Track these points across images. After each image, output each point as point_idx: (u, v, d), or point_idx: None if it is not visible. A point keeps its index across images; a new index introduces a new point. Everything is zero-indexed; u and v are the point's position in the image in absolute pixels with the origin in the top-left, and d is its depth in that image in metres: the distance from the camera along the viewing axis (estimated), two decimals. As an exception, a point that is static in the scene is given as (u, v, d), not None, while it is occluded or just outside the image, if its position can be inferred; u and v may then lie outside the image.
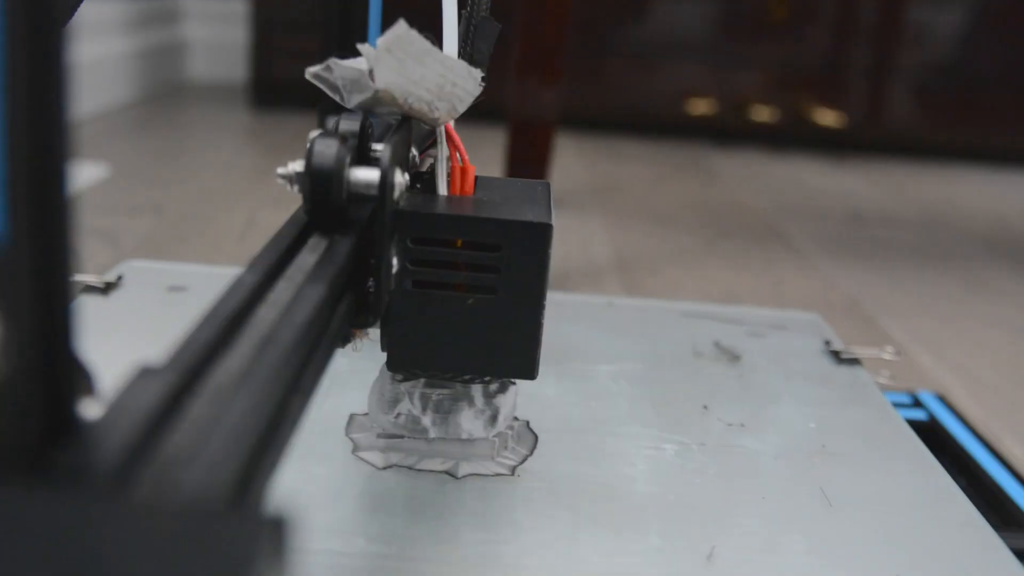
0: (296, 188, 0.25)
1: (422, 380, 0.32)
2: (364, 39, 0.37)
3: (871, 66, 1.50)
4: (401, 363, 0.30)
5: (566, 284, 0.79)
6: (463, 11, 0.32)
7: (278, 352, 0.18)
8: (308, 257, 0.23)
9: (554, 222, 0.29)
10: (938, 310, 0.83)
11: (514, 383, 0.33)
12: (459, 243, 0.29)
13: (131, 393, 0.15)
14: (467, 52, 0.32)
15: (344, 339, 0.26)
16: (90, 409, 0.15)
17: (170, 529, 0.12)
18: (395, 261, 0.28)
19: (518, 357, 0.30)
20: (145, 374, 0.16)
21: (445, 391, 0.32)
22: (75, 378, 0.15)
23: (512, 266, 0.29)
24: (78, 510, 0.12)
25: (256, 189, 1.02)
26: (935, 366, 0.69)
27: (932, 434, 0.51)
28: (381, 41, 0.26)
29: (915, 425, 0.51)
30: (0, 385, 0.13)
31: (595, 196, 1.14)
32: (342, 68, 0.27)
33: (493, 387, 0.33)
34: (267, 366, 0.17)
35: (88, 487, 0.13)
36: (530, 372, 0.30)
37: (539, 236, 0.29)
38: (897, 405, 0.52)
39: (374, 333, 0.30)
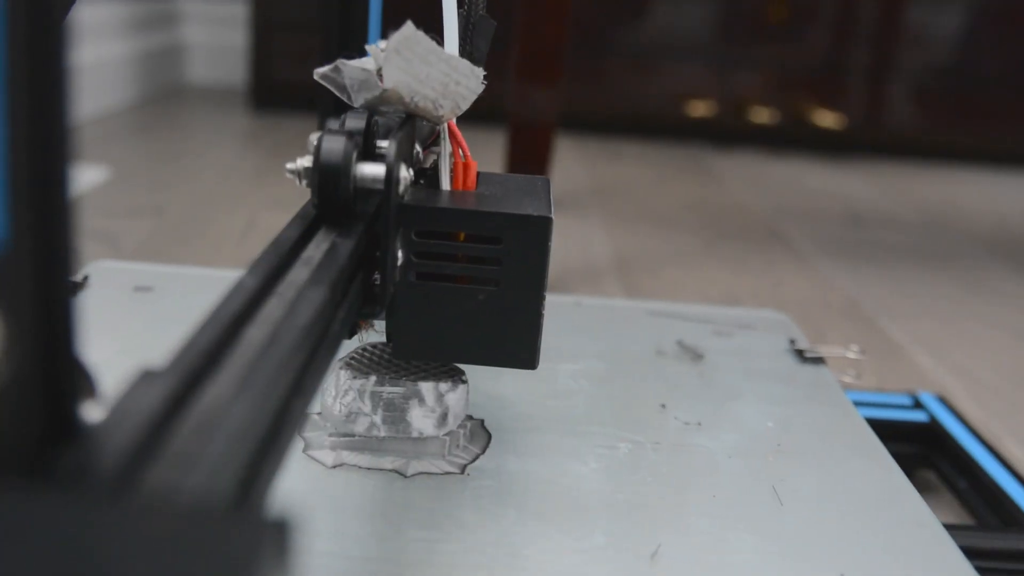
0: (305, 183, 0.26)
1: (373, 378, 0.32)
2: (364, 40, 0.37)
3: (871, 67, 1.50)
4: (406, 352, 0.31)
5: (566, 286, 0.79)
6: (461, 10, 0.32)
7: (279, 355, 0.18)
8: (309, 258, 0.23)
9: (553, 217, 0.30)
10: (938, 311, 0.83)
11: (465, 382, 0.33)
12: (462, 236, 0.30)
13: (133, 396, 0.15)
14: (467, 50, 0.32)
15: (351, 330, 0.27)
16: (92, 412, 0.15)
17: (172, 532, 0.12)
18: (400, 254, 0.29)
19: (519, 347, 0.31)
20: (147, 377, 0.16)
21: (396, 390, 0.32)
22: (77, 380, 0.15)
23: (513, 258, 0.30)
24: (80, 513, 0.12)
25: (256, 191, 1.02)
26: (935, 367, 0.69)
27: (933, 435, 0.51)
28: (390, 42, 0.27)
29: (915, 426, 0.51)
30: (1, 387, 0.13)
31: (595, 197, 1.14)
32: (350, 68, 0.28)
33: (444, 386, 0.33)
34: (268, 369, 0.17)
35: (90, 490, 0.13)
36: (531, 361, 0.31)
37: (539, 229, 0.29)
38: (897, 406, 0.52)
39: (378, 323, 0.31)
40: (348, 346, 0.32)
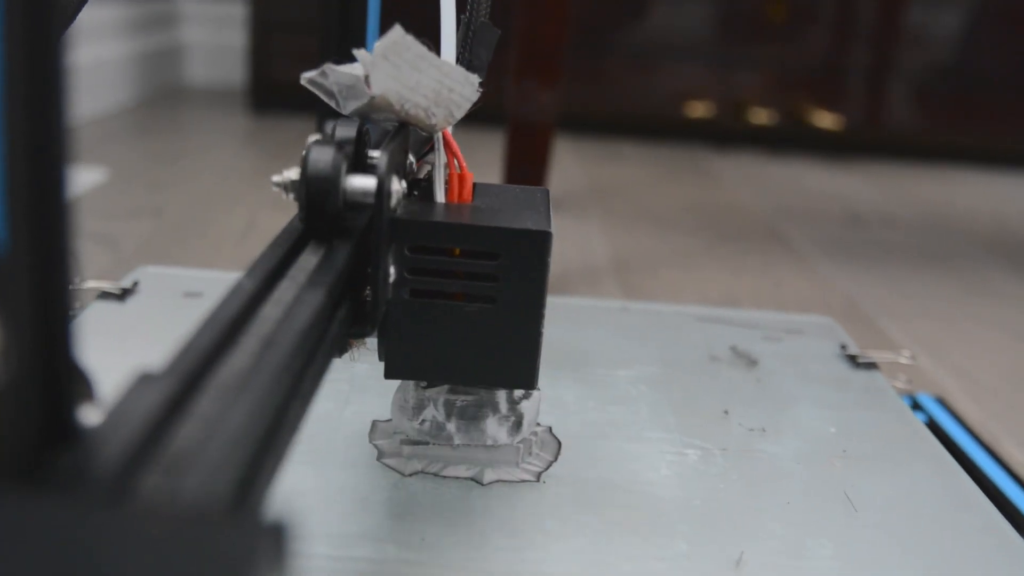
0: (292, 196, 0.25)
1: (446, 386, 0.32)
2: (363, 43, 0.36)
3: (870, 68, 1.50)
4: (399, 372, 0.30)
5: (565, 286, 0.79)
6: (462, 16, 0.31)
7: (278, 357, 0.18)
8: (308, 261, 0.23)
9: (553, 228, 0.29)
10: (937, 312, 0.83)
11: (538, 389, 0.33)
12: (457, 252, 0.28)
13: (131, 399, 0.15)
14: (466, 58, 0.31)
15: (341, 349, 0.26)
16: (90, 415, 0.15)
17: (170, 535, 0.12)
18: (392, 270, 0.28)
19: (517, 366, 0.30)
20: (145, 380, 0.16)
21: (469, 397, 0.32)
22: (75, 384, 0.15)
23: (511, 275, 0.28)
24: (78, 516, 0.12)
25: (255, 192, 1.02)
26: (934, 368, 0.69)
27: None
28: (377, 46, 0.26)
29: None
30: (0, 391, 0.13)
31: (594, 198, 1.14)
32: (337, 74, 0.27)
33: (518, 393, 0.32)
34: (267, 371, 0.17)
35: (88, 493, 0.13)
36: (529, 381, 0.30)
37: (538, 244, 0.28)
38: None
39: (371, 341, 0.30)
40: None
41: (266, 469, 0.17)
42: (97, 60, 1.32)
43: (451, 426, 0.32)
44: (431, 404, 0.32)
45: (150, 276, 0.47)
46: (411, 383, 0.32)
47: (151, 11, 1.55)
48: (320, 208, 0.24)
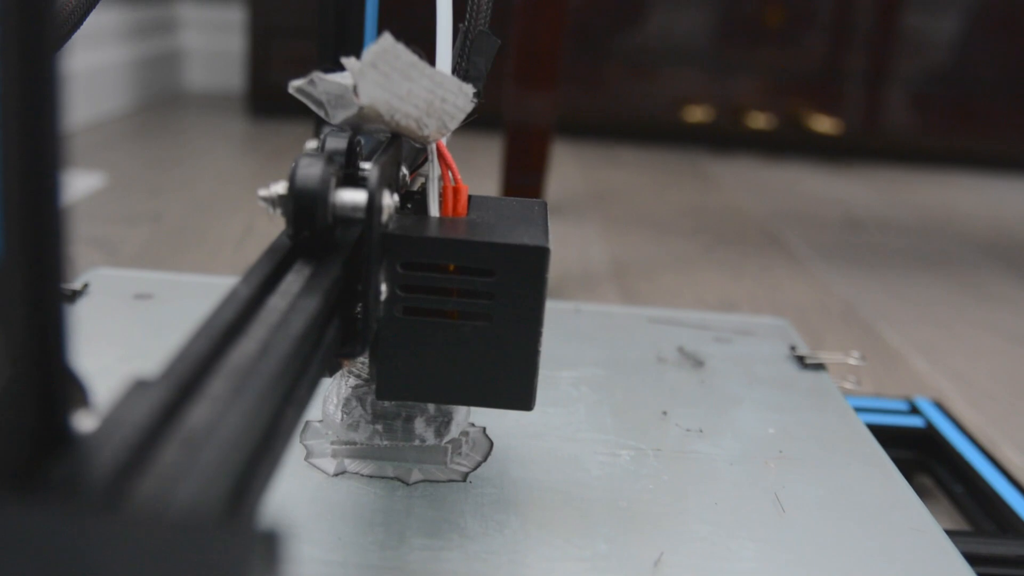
0: (279, 212, 0.24)
1: (375, 386, 0.32)
2: (360, 49, 0.36)
3: (868, 73, 1.51)
4: (391, 393, 0.29)
5: (563, 291, 0.79)
6: (460, 24, 0.31)
7: (272, 364, 0.18)
8: (302, 270, 0.23)
9: (551, 241, 0.28)
10: (935, 316, 0.83)
11: None
12: (452, 268, 0.27)
13: (125, 406, 0.15)
14: (462, 67, 0.31)
15: (332, 369, 0.25)
16: (84, 422, 0.15)
17: (163, 542, 0.12)
18: (384, 287, 0.27)
19: (513, 386, 0.29)
20: (139, 387, 0.16)
21: None
22: (69, 390, 0.15)
23: (507, 292, 0.27)
24: (71, 523, 0.12)
25: (254, 197, 1.02)
26: (932, 372, 0.69)
27: (929, 440, 0.51)
28: (366, 55, 0.25)
29: (912, 431, 0.51)
30: (-7, 398, 0.13)
31: (592, 203, 1.14)
32: (326, 83, 0.26)
33: None
34: (261, 378, 0.17)
35: (81, 500, 0.13)
36: (526, 403, 0.29)
37: (535, 260, 0.27)
38: (893, 411, 0.52)
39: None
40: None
41: (259, 477, 0.17)
42: (96, 65, 1.32)
43: (379, 426, 0.32)
44: (359, 404, 0.32)
45: (100, 278, 0.47)
46: (341, 381, 0.32)
47: (150, 16, 1.55)
48: (308, 224, 0.23)
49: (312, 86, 0.26)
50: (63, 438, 0.14)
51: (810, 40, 1.50)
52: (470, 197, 0.30)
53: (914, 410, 0.53)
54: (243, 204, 0.99)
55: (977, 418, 0.62)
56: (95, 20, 1.34)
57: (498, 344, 0.28)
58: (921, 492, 0.52)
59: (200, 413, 0.16)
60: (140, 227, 0.88)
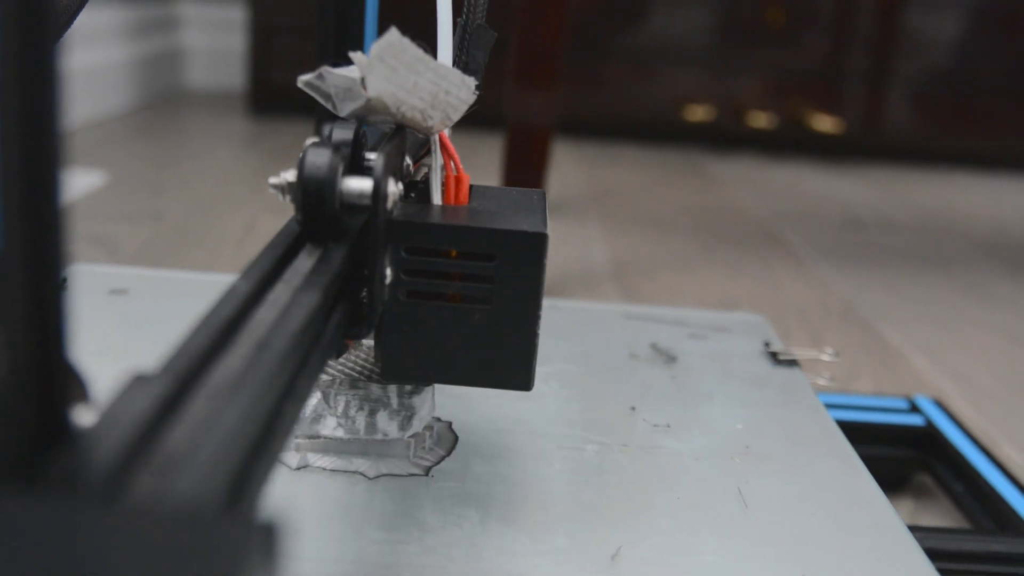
0: (288, 198, 0.25)
1: (339, 379, 0.32)
2: (361, 46, 0.37)
3: (869, 72, 1.51)
4: (395, 374, 0.30)
5: (564, 290, 0.79)
6: (458, 19, 0.32)
7: (272, 358, 0.18)
8: (303, 264, 0.23)
9: (550, 230, 0.29)
10: (936, 315, 0.83)
11: (431, 385, 0.33)
12: (454, 253, 0.29)
13: (124, 400, 0.15)
14: (462, 60, 0.31)
15: (338, 350, 0.26)
16: (83, 416, 0.15)
17: (162, 536, 0.12)
18: (389, 271, 0.28)
19: (513, 367, 0.30)
20: (138, 381, 0.16)
21: (360, 391, 0.32)
22: (68, 384, 0.15)
23: (507, 276, 0.28)
24: (71, 516, 0.12)
25: (255, 195, 1.02)
26: (932, 371, 0.69)
27: (929, 439, 0.51)
28: (373, 49, 0.26)
29: (912, 430, 0.51)
30: (-7, 392, 0.13)
31: (593, 202, 1.14)
32: (334, 76, 0.27)
33: (408, 388, 0.32)
34: (261, 372, 0.17)
35: (81, 493, 0.13)
36: (525, 383, 0.30)
37: (534, 246, 0.28)
38: (894, 410, 0.53)
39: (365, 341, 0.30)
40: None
41: (259, 470, 0.17)
42: (98, 64, 1.32)
43: (342, 420, 0.32)
44: (323, 398, 0.32)
45: (76, 273, 0.47)
46: None
47: (151, 15, 1.55)
48: (316, 210, 0.24)
49: (321, 80, 0.27)
50: (62, 432, 0.14)
51: (811, 40, 1.50)
52: (471, 186, 0.31)
53: (914, 408, 0.53)
54: (244, 203, 0.99)
55: (977, 417, 0.62)
56: (96, 19, 1.34)
57: (498, 326, 0.29)
58: (920, 491, 0.52)
59: (199, 407, 0.16)
60: (141, 225, 0.88)
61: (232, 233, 0.88)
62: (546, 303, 0.48)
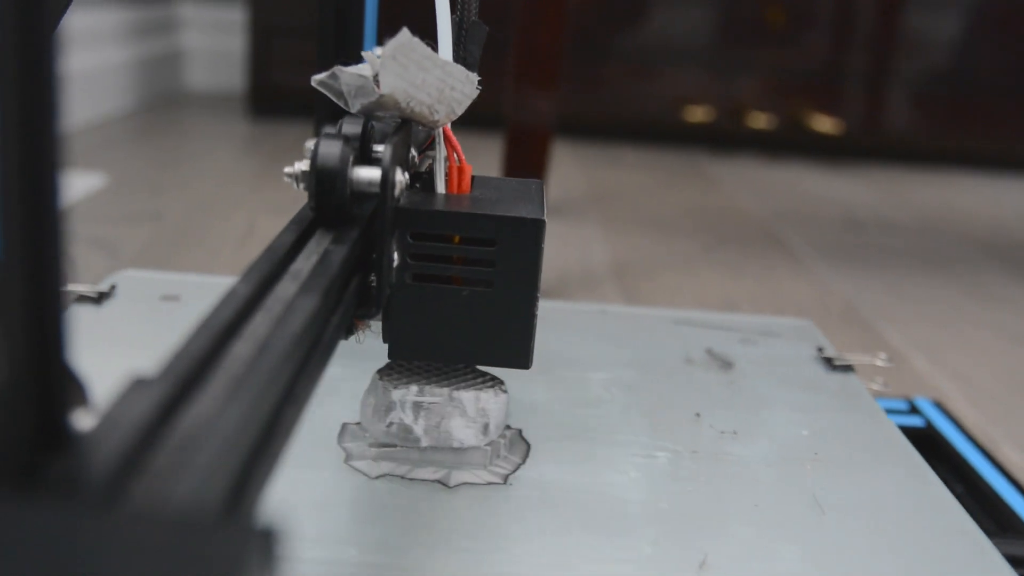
0: (302, 186, 0.27)
1: (414, 388, 0.32)
2: (360, 46, 0.37)
3: (868, 73, 1.51)
4: (401, 353, 0.32)
5: (564, 291, 0.79)
6: (454, 15, 0.33)
7: (271, 362, 0.18)
8: (302, 266, 0.23)
9: (549, 232, 0.30)
10: (936, 316, 0.83)
11: (506, 392, 0.33)
12: (456, 239, 0.30)
13: (124, 404, 0.15)
14: (461, 56, 0.33)
15: (348, 330, 0.28)
16: (83, 420, 0.15)
17: (161, 540, 0.12)
18: (396, 256, 0.29)
19: (513, 347, 0.31)
20: (138, 385, 0.16)
21: (436, 400, 0.32)
22: (68, 389, 0.15)
23: (507, 260, 0.30)
24: (70, 521, 0.12)
25: (255, 197, 1.02)
26: (932, 372, 0.69)
27: (929, 440, 0.51)
28: (386, 48, 0.27)
29: (912, 431, 0.51)
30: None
31: (593, 203, 1.14)
32: (347, 75, 0.29)
33: (485, 395, 0.33)
34: (260, 376, 0.17)
35: (80, 498, 0.13)
36: (524, 361, 0.32)
37: (532, 231, 0.30)
38: (894, 411, 0.52)
39: (375, 326, 0.31)
40: (380, 357, 0.33)
41: (259, 474, 0.17)
42: (97, 65, 1.32)
43: (418, 428, 0.32)
44: (398, 407, 0.32)
45: (128, 280, 0.47)
46: (379, 385, 0.33)
47: (151, 16, 1.55)
48: (328, 197, 0.26)
49: (334, 79, 0.29)
50: (62, 436, 0.14)
51: (810, 40, 1.50)
52: (473, 176, 0.33)
53: (914, 410, 0.53)
54: (244, 204, 0.99)
55: (977, 418, 0.62)
56: (96, 20, 1.35)
57: (499, 308, 0.31)
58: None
59: (199, 411, 0.16)
60: (141, 227, 0.88)
61: (232, 234, 0.88)
62: (595, 308, 0.49)
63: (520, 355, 0.32)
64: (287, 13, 1.45)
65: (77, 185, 0.99)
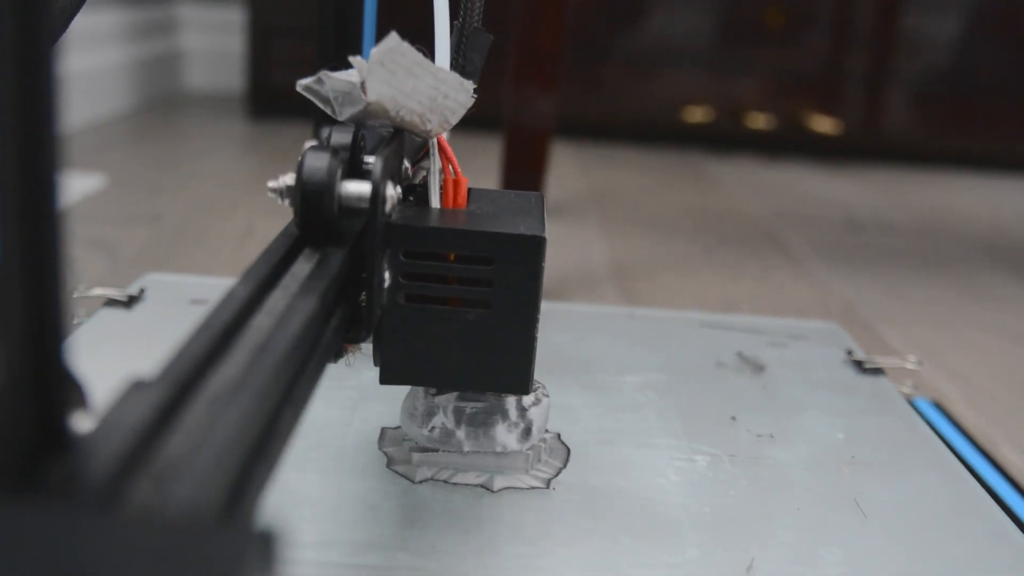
0: (287, 202, 0.25)
1: (455, 393, 0.32)
2: (359, 49, 0.37)
3: (868, 73, 1.51)
4: (393, 378, 0.30)
5: (564, 292, 0.79)
6: (455, 22, 0.32)
7: (270, 364, 0.18)
8: (301, 269, 0.23)
9: (549, 232, 0.29)
10: (935, 317, 0.83)
11: (547, 396, 0.33)
12: (452, 257, 0.28)
13: (123, 406, 0.15)
14: (459, 63, 0.32)
15: (336, 354, 0.26)
16: (82, 422, 0.15)
17: (160, 543, 0.12)
18: (387, 275, 0.28)
19: (511, 371, 0.30)
20: (137, 387, 0.16)
21: (479, 404, 0.32)
22: (67, 391, 0.15)
23: (505, 279, 0.28)
24: (69, 523, 0.12)
25: (254, 198, 1.02)
26: (932, 373, 0.69)
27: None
28: (373, 53, 0.26)
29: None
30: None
31: (592, 203, 1.14)
32: (333, 80, 0.27)
33: (527, 400, 0.32)
34: (259, 378, 0.17)
35: (79, 500, 0.13)
36: (523, 387, 0.30)
37: (532, 249, 0.28)
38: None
39: (366, 346, 0.30)
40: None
41: (257, 477, 0.17)
42: (96, 66, 1.32)
43: (460, 433, 0.32)
44: (440, 411, 0.32)
45: (156, 283, 0.47)
46: (420, 390, 0.32)
47: (150, 17, 1.55)
48: (315, 214, 0.24)
49: (320, 84, 0.27)
50: (61, 439, 0.14)
51: (810, 40, 1.50)
52: (470, 189, 0.31)
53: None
54: (243, 205, 0.99)
55: (977, 419, 0.62)
56: (95, 21, 1.34)
57: (497, 330, 0.29)
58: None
59: (197, 414, 0.16)
60: (140, 228, 0.88)
61: (232, 235, 0.88)
62: (623, 312, 0.49)
63: (519, 380, 0.30)
64: (286, 13, 1.45)
65: (76, 186, 0.99)
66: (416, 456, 0.33)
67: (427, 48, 0.29)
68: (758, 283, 0.88)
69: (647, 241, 0.99)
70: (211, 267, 0.79)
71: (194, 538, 0.12)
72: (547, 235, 0.29)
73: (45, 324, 0.14)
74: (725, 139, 1.53)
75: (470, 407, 0.32)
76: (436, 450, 0.33)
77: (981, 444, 0.50)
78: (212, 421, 0.15)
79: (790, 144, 1.53)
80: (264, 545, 0.12)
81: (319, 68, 0.29)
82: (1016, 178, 1.53)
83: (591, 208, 1.12)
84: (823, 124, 1.50)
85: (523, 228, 0.29)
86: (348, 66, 0.28)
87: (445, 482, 0.32)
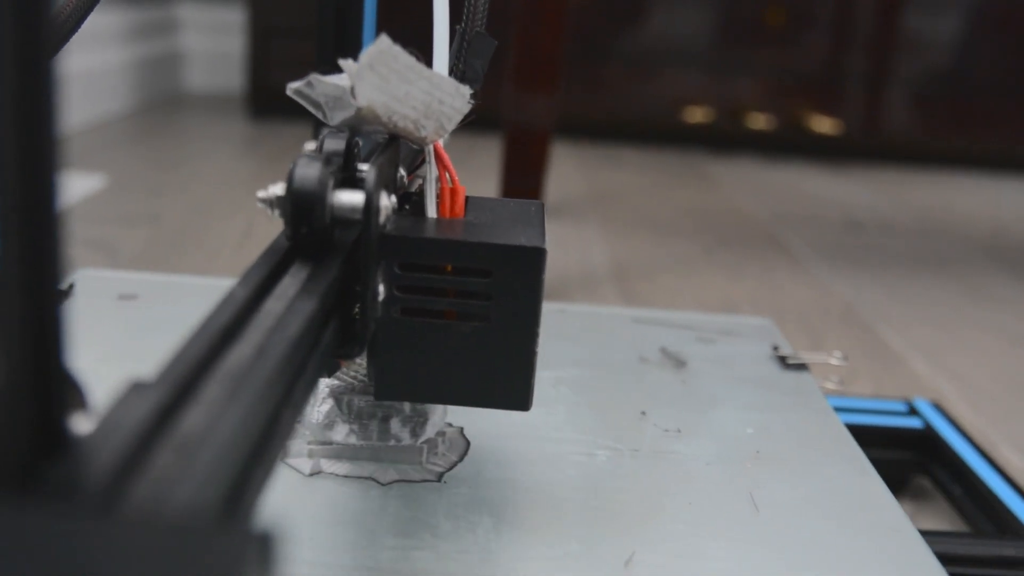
0: (277, 213, 0.24)
1: (351, 385, 0.32)
2: (360, 48, 0.36)
3: (868, 73, 1.51)
4: (389, 393, 0.29)
5: (564, 293, 0.79)
6: (457, 26, 0.31)
7: (269, 366, 0.18)
8: (300, 271, 0.23)
9: (548, 233, 0.29)
10: (935, 317, 0.83)
11: None
12: (449, 269, 0.27)
13: (122, 408, 0.15)
14: (459, 68, 0.31)
15: (330, 369, 0.26)
16: (81, 424, 0.15)
17: (159, 545, 0.12)
18: (382, 288, 0.27)
19: (510, 387, 0.29)
20: (136, 389, 0.16)
21: (373, 396, 0.32)
22: (66, 393, 0.15)
23: (504, 292, 0.27)
24: (67, 525, 0.12)
25: (253, 199, 1.02)
26: (931, 373, 0.69)
27: (928, 442, 0.51)
28: (363, 57, 0.25)
29: (911, 433, 0.51)
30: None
31: (593, 204, 1.14)
32: (323, 84, 0.26)
33: None
34: (258, 380, 0.17)
35: (78, 502, 0.13)
36: (523, 403, 0.29)
37: (532, 261, 0.27)
38: (892, 413, 0.52)
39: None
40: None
41: (256, 478, 0.17)
42: (96, 66, 1.32)
43: (355, 426, 0.32)
44: (335, 404, 0.32)
45: (86, 278, 0.47)
46: (320, 381, 0.32)
47: (150, 18, 1.55)
48: (306, 225, 0.23)
49: (310, 88, 0.26)
50: (60, 440, 0.14)
51: (810, 41, 1.50)
52: (467, 198, 0.30)
53: (912, 411, 0.53)
54: (243, 206, 0.99)
55: (976, 419, 0.62)
56: (95, 21, 1.34)
57: (495, 345, 0.28)
58: (919, 494, 0.52)
59: (196, 416, 0.16)
60: (139, 228, 0.88)
61: (231, 236, 0.88)
62: (554, 307, 0.48)
63: (519, 396, 0.29)
64: (286, 13, 1.45)
65: (76, 186, 0.99)
66: (310, 449, 0.32)
67: (428, 51, 0.28)
68: (758, 283, 0.88)
69: (647, 242, 0.99)
70: (210, 267, 0.79)
71: (193, 539, 0.12)
72: (547, 235, 0.28)
73: (44, 325, 0.14)
74: (725, 139, 1.53)
75: (364, 400, 0.32)
76: (330, 443, 0.32)
77: (980, 444, 0.50)
78: (211, 423, 0.15)
79: (790, 144, 1.53)
80: (263, 546, 0.12)
81: (319, 69, 0.28)
82: (1016, 178, 1.53)
83: (591, 208, 1.12)
84: (823, 124, 1.50)
85: (523, 239, 0.28)
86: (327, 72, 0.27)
87: (336, 475, 0.32)
